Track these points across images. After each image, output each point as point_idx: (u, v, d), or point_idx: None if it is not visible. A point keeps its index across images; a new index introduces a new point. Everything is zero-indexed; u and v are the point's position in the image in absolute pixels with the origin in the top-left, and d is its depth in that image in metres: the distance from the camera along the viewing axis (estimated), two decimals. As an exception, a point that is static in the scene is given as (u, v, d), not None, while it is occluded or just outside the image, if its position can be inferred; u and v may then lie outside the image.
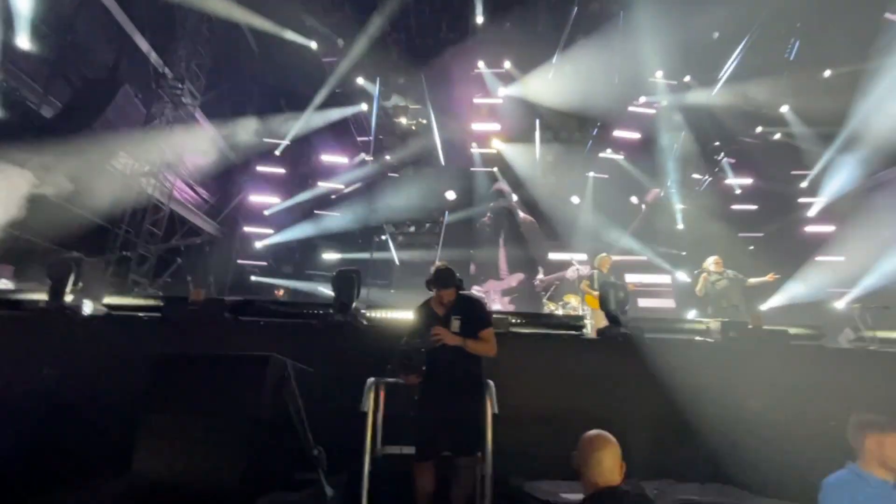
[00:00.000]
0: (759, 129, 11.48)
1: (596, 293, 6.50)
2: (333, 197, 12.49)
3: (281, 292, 11.60)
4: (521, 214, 12.18)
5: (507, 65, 11.22)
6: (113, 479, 2.38)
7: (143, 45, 9.65)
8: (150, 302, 4.22)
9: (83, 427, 3.50)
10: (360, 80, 11.29)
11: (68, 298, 3.95)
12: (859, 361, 4.21)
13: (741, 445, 3.47)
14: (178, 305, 4.05)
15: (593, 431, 1.95)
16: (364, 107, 11.78)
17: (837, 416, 2.44)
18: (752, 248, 11.54)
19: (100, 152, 8.01)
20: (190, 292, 4.20)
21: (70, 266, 3.92)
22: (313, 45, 10.59)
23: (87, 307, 4.28)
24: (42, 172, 6.81)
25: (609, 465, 1.82)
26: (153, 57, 9.81)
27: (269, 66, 11.22)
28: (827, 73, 9.99)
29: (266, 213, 12.17)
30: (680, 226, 12.01)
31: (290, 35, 10.21)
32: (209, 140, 11.06)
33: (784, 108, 11.03)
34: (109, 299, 4.27)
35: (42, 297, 4.13)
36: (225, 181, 11.90)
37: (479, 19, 9.97)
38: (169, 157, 9.97)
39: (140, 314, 4.27)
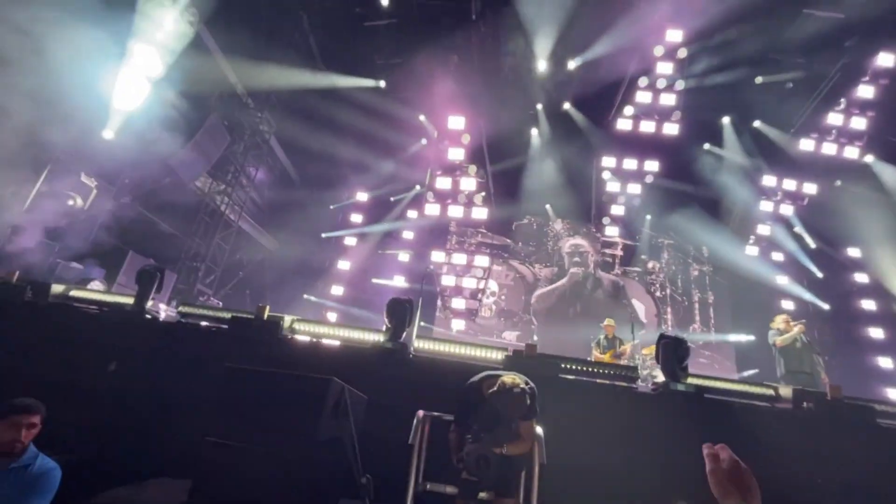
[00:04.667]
0: None
1: (602, 356, 7.53)
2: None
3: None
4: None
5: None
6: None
7: (232, 76, 10.69)
8: (220, 314, 4.53)
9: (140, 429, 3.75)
10: (422, 118, 11.84)
11: (150, 304, 4.33)
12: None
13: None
14: (243, 321, 4.32)
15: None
16: (424, 142, 12.28)
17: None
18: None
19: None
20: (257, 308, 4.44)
21: (155, 275, 4.32)
22: (382, 83, 11.22)
23: (164, 313, 4.66)
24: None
25: None
26: (240, 88, 10.83)
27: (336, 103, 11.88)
28: None
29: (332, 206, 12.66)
30: None
31: (359, 81, 10.79)
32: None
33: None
34: (183, 308, 4.62)
35: (126, 300, 4.55)
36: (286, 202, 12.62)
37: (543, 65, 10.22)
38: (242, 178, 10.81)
39: (208, 324, 4.60)
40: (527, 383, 2.95)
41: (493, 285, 10.21)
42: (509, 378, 2.93)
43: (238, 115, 10.59)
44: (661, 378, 4.28)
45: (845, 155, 10.05)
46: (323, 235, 12.86)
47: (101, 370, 4.13)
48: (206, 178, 10.61)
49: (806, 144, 10.12)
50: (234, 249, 10.97)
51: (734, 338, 10.27)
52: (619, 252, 10.52)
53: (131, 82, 7.74)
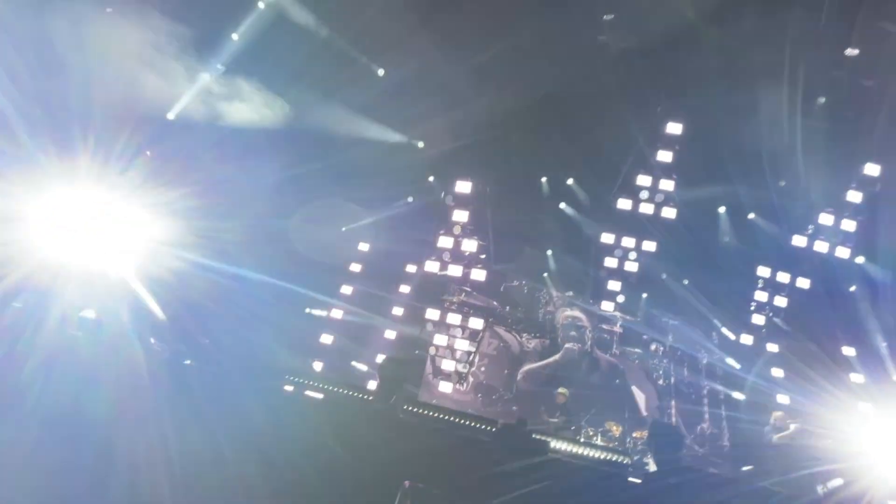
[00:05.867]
0: None
1: None
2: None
3: None
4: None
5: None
6: None
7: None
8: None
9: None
10: (431, 179, 12.23)
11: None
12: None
13: None
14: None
15: None
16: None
17: None
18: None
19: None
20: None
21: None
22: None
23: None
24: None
25: None
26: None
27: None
28: None
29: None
30: None
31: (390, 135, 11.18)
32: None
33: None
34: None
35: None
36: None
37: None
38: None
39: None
40: None
41: (473, 353, 9.58)
42: None
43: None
44: (652, 466, 4.15)
45: (837, 254, 10.34)
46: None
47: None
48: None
49: (798, 240, 10.45)
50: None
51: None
52: (617, 329, 9.81)
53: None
